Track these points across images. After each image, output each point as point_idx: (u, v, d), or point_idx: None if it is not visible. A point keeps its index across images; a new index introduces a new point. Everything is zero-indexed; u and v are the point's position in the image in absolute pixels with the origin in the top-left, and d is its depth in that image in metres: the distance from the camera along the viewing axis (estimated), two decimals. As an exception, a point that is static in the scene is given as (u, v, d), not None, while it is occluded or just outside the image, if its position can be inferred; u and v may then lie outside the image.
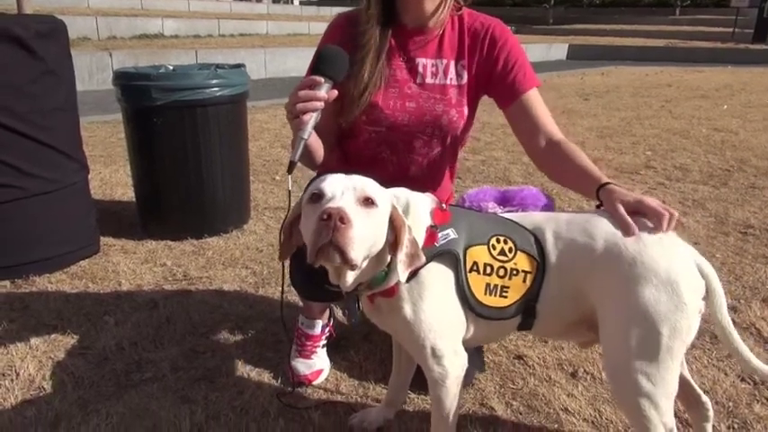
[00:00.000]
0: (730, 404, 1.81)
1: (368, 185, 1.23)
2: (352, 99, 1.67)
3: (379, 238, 1.22)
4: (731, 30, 17.40)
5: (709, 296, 1.29)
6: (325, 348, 2.00)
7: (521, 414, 1.77)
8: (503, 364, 2.02)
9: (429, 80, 1.73)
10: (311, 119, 1.38)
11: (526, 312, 1.38)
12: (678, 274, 1.24)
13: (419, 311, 1.32)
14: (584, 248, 1.32)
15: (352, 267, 1.17)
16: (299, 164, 1.41)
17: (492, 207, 1.65)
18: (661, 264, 1.25)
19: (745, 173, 4.43)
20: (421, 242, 1.31)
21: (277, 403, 1.80)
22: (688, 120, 6.55)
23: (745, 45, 16.09)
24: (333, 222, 1.11)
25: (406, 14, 1.71)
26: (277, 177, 4.19)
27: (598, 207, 1.45)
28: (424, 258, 1.26)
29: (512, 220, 1.42)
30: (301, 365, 1.92)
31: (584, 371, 1.97)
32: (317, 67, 1.42)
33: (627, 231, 1.31)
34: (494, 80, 1.73)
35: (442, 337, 1.35)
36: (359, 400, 1.85)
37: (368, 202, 1.19)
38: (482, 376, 1.94)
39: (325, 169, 1.62)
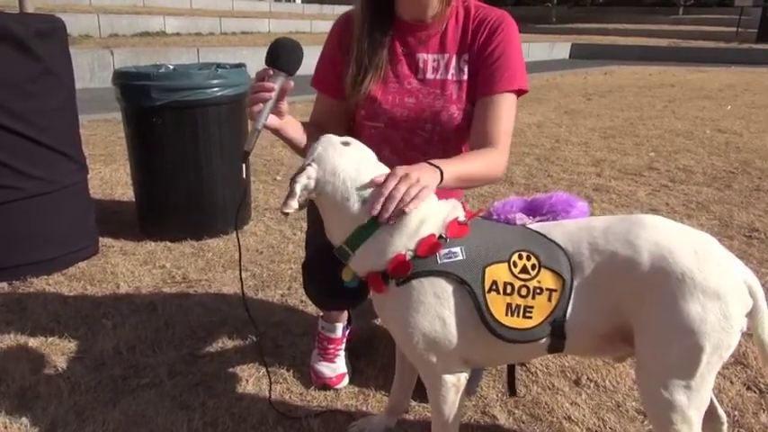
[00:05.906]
0: (736, 413, 1.78)
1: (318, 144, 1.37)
2: (353, 85, 1.67)
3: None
4: (735, 29, 17.34)
5: (753, 314, 1.26)
6: (345, 354, 1.97)
7: (523, 423, 1.75)
8: (505, 371, 1.99)
9: (430, 75, 1.70)
10: (264, 109, 1.41)
11: (555, 333, 1.28)
12: (728, 293, 1.20)
13: (405, 321, 1.29)
14: (627, 262, 1.24)
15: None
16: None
17: (520, 218, 1.54)
18: (711, 281, 1.20)
19: (749, 175, 4.39)
20: (412, 246, 1.28)
21: (276, 410, 1.77)
22: (691, 120, 6.51)
23: (749, 45, 16.03)
24: None
25: (401, 6, 1.68)
26: (278, 177, 4.17)
27: None
28: (294, 207, 1.29)
29: (539, 233, 1.32)
30: (325, 369, 1.90)
31: (588, 378, 1.95)
32: (268, 60, 1.44)
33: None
34: (479, 67, 1.66)
35: (431, 351, 1.31)
36: (359, 407, 1.82)
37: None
38: (484, 383, 1.91)
39: None
